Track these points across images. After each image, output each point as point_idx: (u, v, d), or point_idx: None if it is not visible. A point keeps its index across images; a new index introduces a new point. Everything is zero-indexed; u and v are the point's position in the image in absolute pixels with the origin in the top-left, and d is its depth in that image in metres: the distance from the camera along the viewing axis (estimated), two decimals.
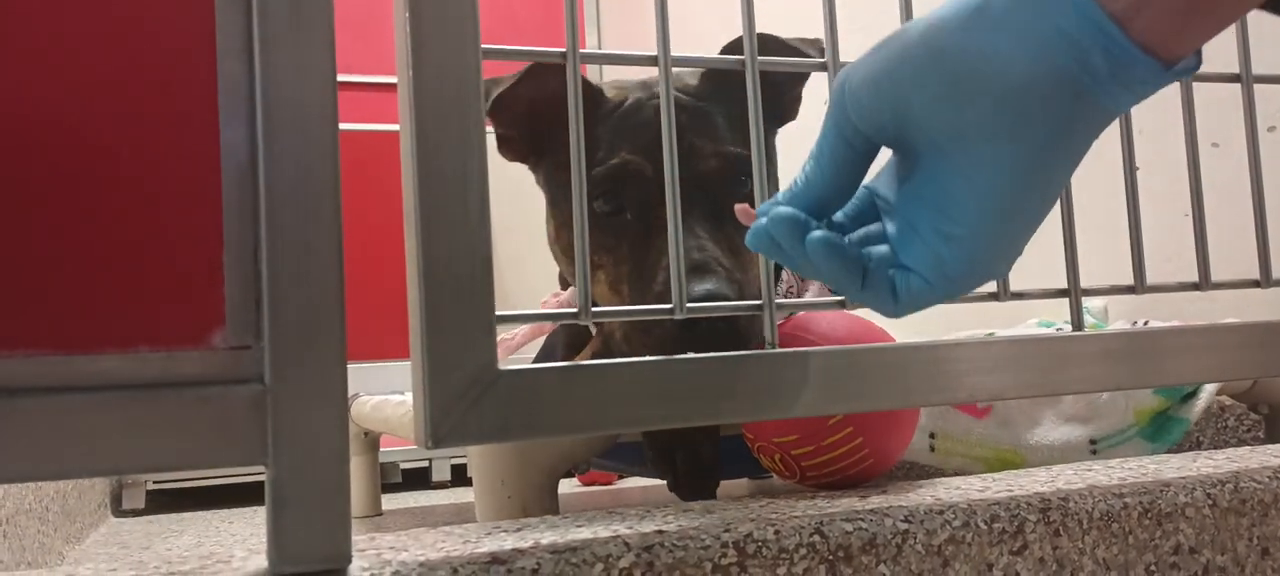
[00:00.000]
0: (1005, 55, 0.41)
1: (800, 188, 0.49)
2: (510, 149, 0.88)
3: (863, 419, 0.73)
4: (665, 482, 0.88)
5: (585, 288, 0.57)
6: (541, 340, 1.09)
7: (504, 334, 1.04)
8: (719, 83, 0.85)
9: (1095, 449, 1.04)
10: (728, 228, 0.80)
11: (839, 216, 0.51)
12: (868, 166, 0.48)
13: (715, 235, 0.79)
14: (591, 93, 0.84)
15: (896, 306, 0.48)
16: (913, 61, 0.44)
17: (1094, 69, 0.40)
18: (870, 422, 0.74)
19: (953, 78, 0.42)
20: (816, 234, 0.47)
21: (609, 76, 3.08)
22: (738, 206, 0.53)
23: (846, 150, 0.47)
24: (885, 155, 0.49)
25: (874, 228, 0.50)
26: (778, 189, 0.88)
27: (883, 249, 0.48)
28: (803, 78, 0.88)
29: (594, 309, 0.58)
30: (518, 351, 1.07)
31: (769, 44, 0.80)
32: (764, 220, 0.49)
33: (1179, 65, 0.41)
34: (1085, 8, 0.40)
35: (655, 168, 0.77)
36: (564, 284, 1.01)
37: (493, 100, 0.83)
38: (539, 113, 0.85)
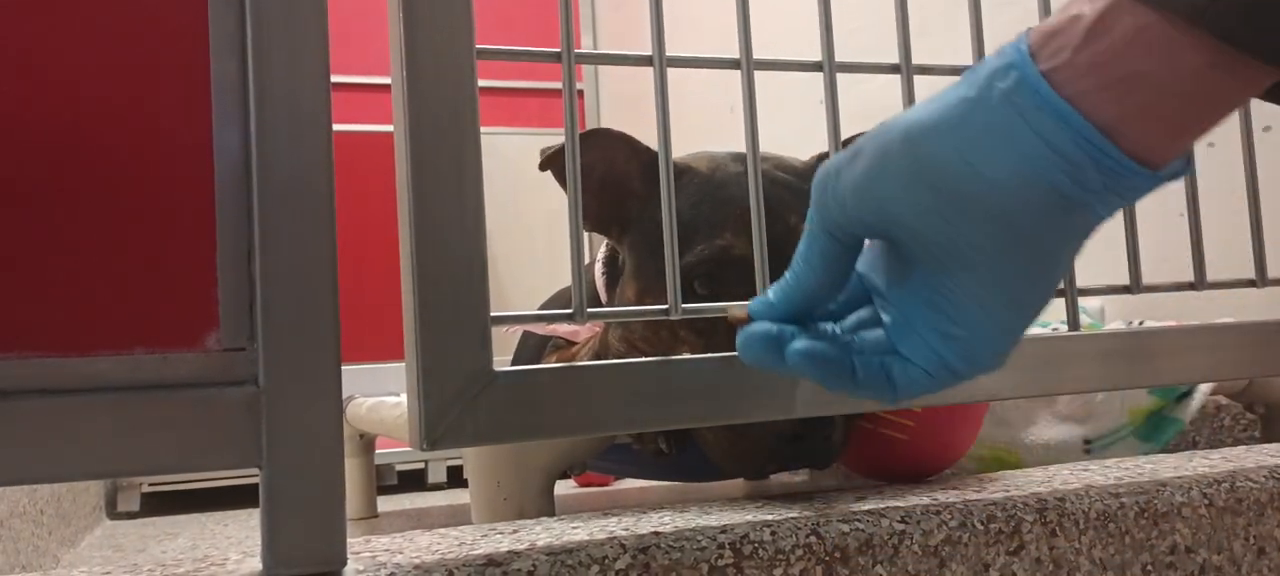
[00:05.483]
0: (993, 173, 0.40)
1: (791, 286, 0.47)
2: (588, 220, 0.85)
3: (929, 409, 0.74)
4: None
5: (580, 288, 0.57)
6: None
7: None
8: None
9: (1089, 449, 1.04)
10: None
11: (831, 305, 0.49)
12: (856, 258, 0.47)
13: None
14: (653, 161, 0.79)
15: (895, 395, 0.46)
16: (897, 172, 0.42)
17: (1087, 183, 0.39)
18: (932, 412, 0.74)
19: (940, 193, 0.41)
20: (796, 346, 0.46)
21: (605, 78, 3.08)
22: (731, 312, 0.50)
23: (836, 248, 0.46)
24: None
25: (867, 313, 0.48)
26: None
27: (877, 334, 0.47)
28: None
29: (591, 310, 0.58)
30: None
31: None
32: (744, 333, 0.48)
33: (1169, 168, 0.40)
34: (1072, 121, 0.38)
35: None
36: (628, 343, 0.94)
37: (544, 160, 0.80)
38: (615, 184, 0.83)
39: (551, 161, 0.80)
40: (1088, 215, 0.41)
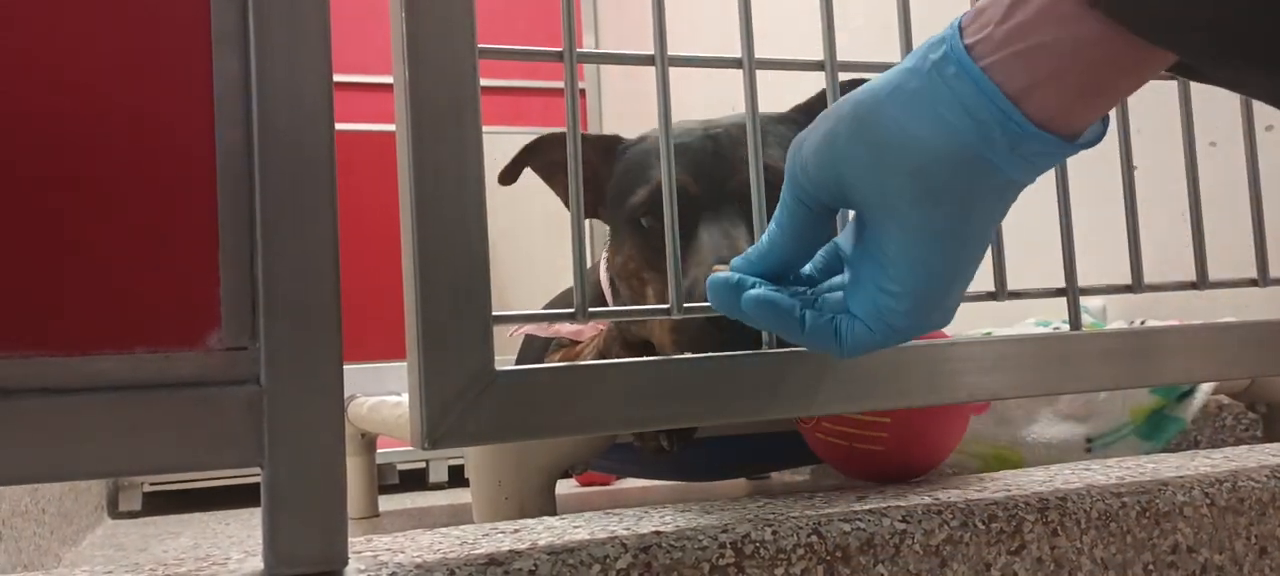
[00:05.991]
0: (917, 130, 0.44)
1: (765, 248, 0.52)
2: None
3: (901, 417, 0.74)
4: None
5: (582, 287, 0.57)
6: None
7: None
8: (787, 123, 0.89)
9: (1090, 447, 1.04)
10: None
11: (807, 269, 0.54)
12: (827, 225, 0.51)
13: (750, 239, 0.79)
14: (608, 142, 0.90)
15: (841, 350, 0.50)
16: (845, 134, 0.47)
17: (994, 143, 0.43)
18: (904, 421, 0.74)
19: (875, 150, 0.46)
20: (750, 293, 0.51)
21: (606, 77, 3.07)
22: (714, 267, 0.55)
23: (804, 212, 0.50)
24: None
25: (837, 278, 0.53)
26: None
27: (838, 296, 0.51)
28: None
29: (591, 309, 0.58)
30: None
31: None
32: (711, 278, 0.53)
33: (1081, 138, 0.44)
34: (985, 86, 0.42)
35: (697, 186, 0.81)
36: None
37: (525, 150, 0.90)
38: (586, 172, 0.89)
39: (516, 166, 0.90)
40: (999, 176, 0.45)
